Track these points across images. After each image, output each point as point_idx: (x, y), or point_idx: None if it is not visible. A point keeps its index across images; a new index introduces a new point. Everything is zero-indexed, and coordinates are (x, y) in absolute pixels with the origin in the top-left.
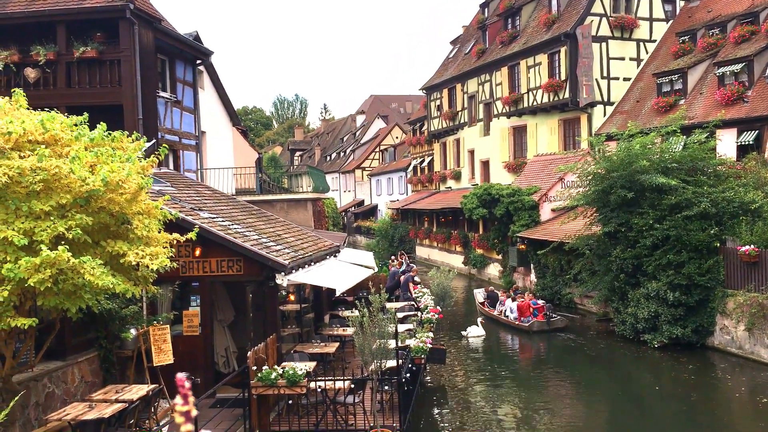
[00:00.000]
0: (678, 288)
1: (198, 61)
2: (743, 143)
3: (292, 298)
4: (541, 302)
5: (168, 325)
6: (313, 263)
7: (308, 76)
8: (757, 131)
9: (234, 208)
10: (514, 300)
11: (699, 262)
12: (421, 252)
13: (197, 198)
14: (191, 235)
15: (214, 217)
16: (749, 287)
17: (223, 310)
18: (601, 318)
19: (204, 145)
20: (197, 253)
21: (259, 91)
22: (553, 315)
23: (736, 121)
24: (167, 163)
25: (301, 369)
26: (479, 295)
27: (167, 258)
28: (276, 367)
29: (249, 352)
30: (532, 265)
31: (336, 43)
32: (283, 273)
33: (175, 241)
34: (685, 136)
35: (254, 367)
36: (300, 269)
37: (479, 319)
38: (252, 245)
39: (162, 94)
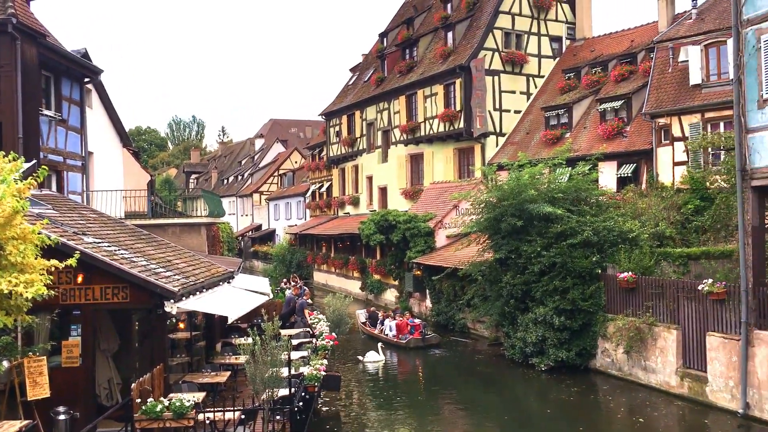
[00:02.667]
0: (563, 313)
1: (86, 79)
2: (622, 175)
3: (182, 326)
4: (417, 321)
5: (45, 357)
6: (205, 290)
7: (206, 98)
8: (635, 164)
9: (122, 232)
10: (393, 319)
11: (582, 287)
12: (319, 277)
13: (81, 222)
14: (71, 261)
15: (99, 242)
16: (627, 312)
17: (107, 339)
18: (493, 342)
19: (91, 167)
20: (79, 279)
21: (154, 112)
22: (428, 333)
23: (616, 155)
24: (50, 185)
25: (189, 400)
26: (361, 315)
27: (44, 285)
28: (162, 398)
29: (133, 384)
30: (427, 290)
31: (235, 66)
32: (172, 300)
33: (53, 268)
34: (570, 168)
35: (138, 400)
36: (191, 296)
37: (379, 344)
38: (139, 271)
39: (46, 112)
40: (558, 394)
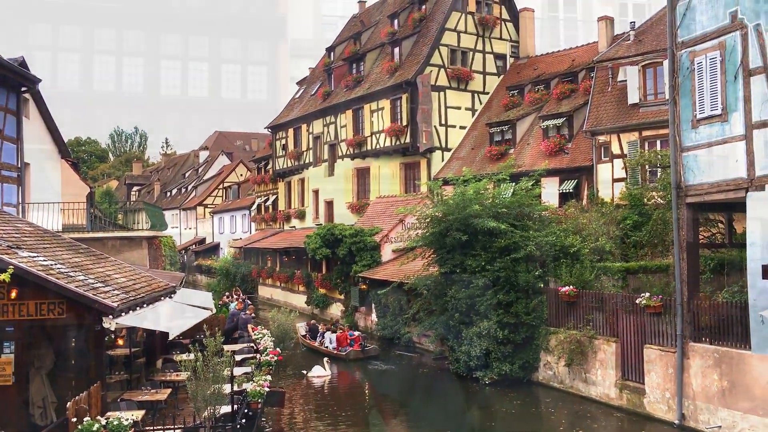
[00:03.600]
0: (507, 326)
1: (23, 89)
2: (564, 191)
3: (120, 342)
4: (356, 333)
5: None
6: (145, 305)
7: (149, 109)
8: (576, 180)
9: (59, 246)
10: (333, 332)
11: (525, 301)
12: (264, 292)
13: (16, 235)
14: (4, 276)
15: (35, 257)
16: (569, 325)
17: (42, 356)
18: (438, 356)
19: (27, 178)
20: (13, 295)
21: (95, 122)
22: (367, 345)
23: (558, 171)
24: None
25: (128, 419)
26: (301, 328)
27: None
28: (99, 417)
29: (69, 402)
30: (373, 304)
31: (180, 77)
32: (111, 316)
33: None
34: (514, 183)
35: (74, 419)
36: (131, 312)
37: (325, 359)
38: (77, 286)
39: None
40: (501, 406)
